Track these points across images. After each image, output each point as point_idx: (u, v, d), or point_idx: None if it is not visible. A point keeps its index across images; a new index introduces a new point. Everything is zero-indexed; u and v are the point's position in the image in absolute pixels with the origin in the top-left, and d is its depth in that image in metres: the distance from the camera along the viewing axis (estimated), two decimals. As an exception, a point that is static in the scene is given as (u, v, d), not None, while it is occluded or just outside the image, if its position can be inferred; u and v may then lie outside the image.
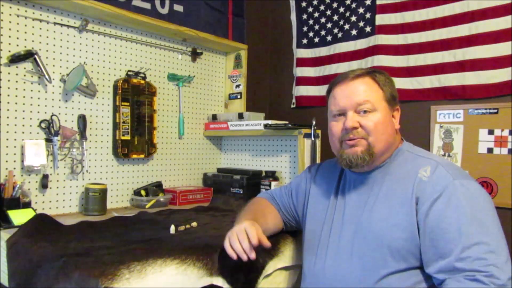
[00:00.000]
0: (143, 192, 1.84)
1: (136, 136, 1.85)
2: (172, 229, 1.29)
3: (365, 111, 1.02)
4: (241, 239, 0.97)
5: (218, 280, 1.03)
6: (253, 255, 0.96)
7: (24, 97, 1.55)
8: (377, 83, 1.05)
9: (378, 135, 1.01)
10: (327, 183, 1.17)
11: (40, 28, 1.59)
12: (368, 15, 2.04)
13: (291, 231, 1.30)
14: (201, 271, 1.00)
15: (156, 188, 1.88)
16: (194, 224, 1.38)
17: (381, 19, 1.98)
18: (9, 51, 1.50)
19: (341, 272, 1.00)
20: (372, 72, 1.07)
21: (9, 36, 1.51)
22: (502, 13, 1.63)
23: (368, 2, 2.03)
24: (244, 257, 0.96)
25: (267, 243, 1.01)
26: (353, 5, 2.09)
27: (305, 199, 1.23)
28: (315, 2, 2.28)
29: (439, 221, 0.89)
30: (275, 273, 1.15)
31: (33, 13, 1.57)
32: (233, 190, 2.01)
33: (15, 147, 1.52)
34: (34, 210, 1.45)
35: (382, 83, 1.05)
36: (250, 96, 2.33)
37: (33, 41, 1.57)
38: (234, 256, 0.97)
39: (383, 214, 0.97)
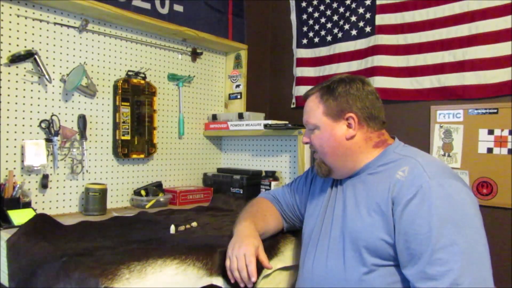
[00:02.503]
0: (143, 192, 1.84)
1: (136, 136, 1.85)
2: (172, 229, 1.29)
3: (311, 129, 1.10)
4: (240, 268, 0.98)
5: (218, 280, 1.03)
6: (250, 285, 0.99)
7: (24, 97, 1.55)
8: (319, 98, 1.07)
9: (322, 150, 1.08)
10: (324, 184, 1.19)
11: (40, 28, 1.59)
12: (368, 15, 2.04)
13: (292, 231, 1.30)
14: (201, 271, 1.01)
15: (156, 188, 1.88)
16: (194, 224, 1.38)
17: (381, 19, 1.98)
18: (9, 51, 1.50)
19: (326, 271, 1.02)
20: (327, 85, 1.07)
21: (9, 36, 1.51)
22: (502, 13, 1.63)
23: (368, 2, 2.03)
24: (242, 286, 0.99)
25: (268, 266, 1.04)
26: (353, 5, 2.09)
27: (306, 199, 1.24)
28: (315, 2, 2.28)
29: (411, 223, 0.87)
30: (274, 273, 1.15)
31: (33, 13, 1.57)
32: (233, 190, 2.01)
33: (15, 147, 1.52)
34: (34, 210, 1.45)
35: (326, 97, 1.05)
36: (250, 96, 2.33)
37: (33, 41, 1.57)
38: (233, 281, 1.01)
39: (362, 215, 0.98)
